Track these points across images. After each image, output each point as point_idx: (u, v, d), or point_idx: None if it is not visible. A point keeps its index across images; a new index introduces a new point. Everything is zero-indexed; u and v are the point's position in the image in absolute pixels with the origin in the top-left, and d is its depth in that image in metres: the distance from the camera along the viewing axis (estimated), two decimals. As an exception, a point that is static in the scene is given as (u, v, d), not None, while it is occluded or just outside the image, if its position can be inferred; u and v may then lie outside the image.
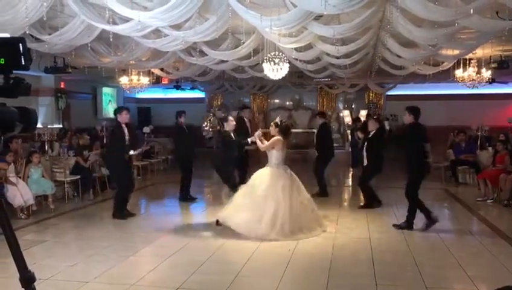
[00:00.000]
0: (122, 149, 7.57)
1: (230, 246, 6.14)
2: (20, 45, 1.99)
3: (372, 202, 8.48)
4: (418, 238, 6.47)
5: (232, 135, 7.77)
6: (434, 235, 6.59)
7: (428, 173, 6.96)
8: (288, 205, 6.39)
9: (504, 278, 4.74)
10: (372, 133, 8.39)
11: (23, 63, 1.99)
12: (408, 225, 6.81)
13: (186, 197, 9.25)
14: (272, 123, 7.10)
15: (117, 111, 7.97)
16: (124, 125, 7.69)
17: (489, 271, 5.21)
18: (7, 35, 2.04)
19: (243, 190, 6.74)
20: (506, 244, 6.20)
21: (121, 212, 7.70)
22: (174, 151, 10.29)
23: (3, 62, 1.96)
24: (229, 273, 4.96)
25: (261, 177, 6.69)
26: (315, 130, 10.21)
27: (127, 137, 7.64)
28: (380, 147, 8.31)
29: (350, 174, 13.34)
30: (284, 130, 6.86)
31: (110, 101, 19.01)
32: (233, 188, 7.19)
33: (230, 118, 7.99)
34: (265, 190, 6.47)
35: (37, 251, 5.88)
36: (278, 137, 6.78)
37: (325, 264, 5.30)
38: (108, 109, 18.73)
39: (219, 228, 6.82)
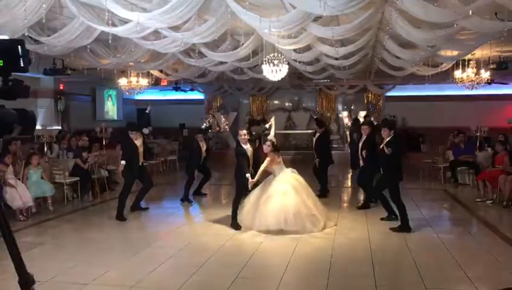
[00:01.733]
0: (136, 158, 8.01)
1: (230, 247, 6.15)
2: (19, 47, 1.98)
3: (370, 203, 8.54)
4: (417, 239, 6.46)
5: (246, 150, 7.10)
6: (433, 236, 6.60)
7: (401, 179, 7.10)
8: (300, 199, 6.76)
9: (504, 279, 4.75)
10: (365, 137, 8.43)
11: (22, 65, 1.99)
12: (405, 226, 6.80)
13: (188, 198, 9.32)
14: (268, 142, 6.96)
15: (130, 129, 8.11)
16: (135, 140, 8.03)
17: (488, 272, 5.20)
18: (6, 37, 2.04)
19: (251, 198, 7.01)
20: (506, 245, 6.21)
21: (122, 214, 7.76)
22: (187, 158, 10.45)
23: (2, 64, 1.95)
24: (229, 274, 4.95)
25: (261, 188, 6.99)
26: (312, 131, 10.08)
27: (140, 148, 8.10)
28: (373, 148, 8.37)
29: (349, 175, 13.32)
30: (277, 148, 7.14)
31: (110, 95, 19.02)
32: (241, 196, 7.16)
33: (243, 132, 7.27)
34: (276, 190, 6.77)
35: (36, 253, 5.87)
36: (274, 157, 6.94)
37: (325, 265, 5.31)
38: (109, 106, 18.77)
39: (223, 229, 6.98)
